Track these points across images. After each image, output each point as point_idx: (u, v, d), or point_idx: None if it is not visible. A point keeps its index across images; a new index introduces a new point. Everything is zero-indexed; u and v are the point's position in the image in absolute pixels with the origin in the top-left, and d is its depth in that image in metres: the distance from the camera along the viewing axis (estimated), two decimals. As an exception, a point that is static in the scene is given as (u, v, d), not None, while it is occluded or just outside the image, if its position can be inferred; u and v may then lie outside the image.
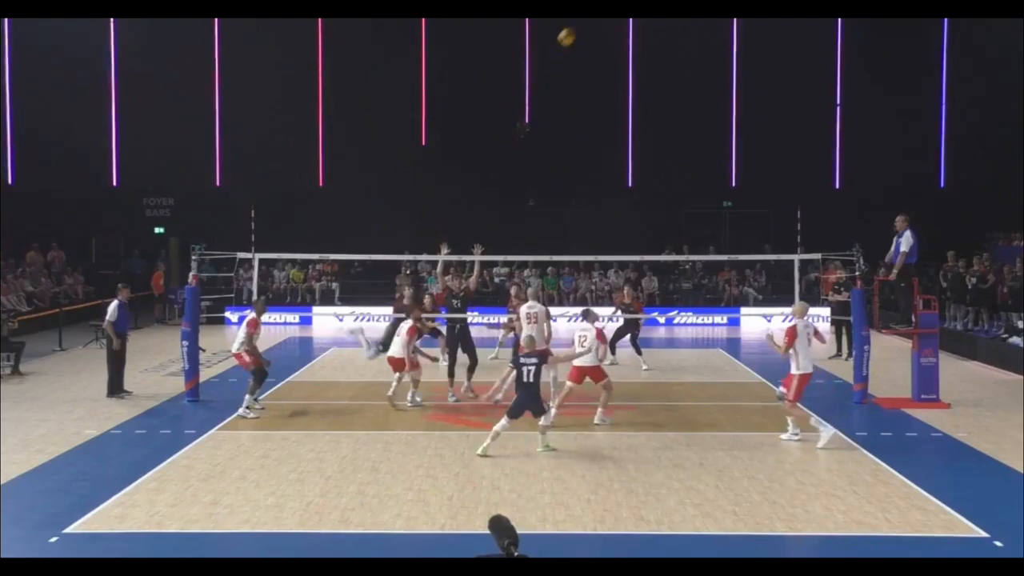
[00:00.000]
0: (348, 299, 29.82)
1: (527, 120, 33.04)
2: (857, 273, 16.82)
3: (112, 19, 32.02)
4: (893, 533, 9.39)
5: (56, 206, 31.43)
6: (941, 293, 23.12)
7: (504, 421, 12.25)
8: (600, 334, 14.38)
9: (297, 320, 29.19)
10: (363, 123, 32.31)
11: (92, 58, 32.22)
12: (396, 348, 15.41)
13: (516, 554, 5.40)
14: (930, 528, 9.54)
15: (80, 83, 31.88)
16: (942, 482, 11.16)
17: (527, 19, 32.59)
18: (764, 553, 8.89)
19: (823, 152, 33.25)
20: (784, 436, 13.10)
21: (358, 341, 16.76)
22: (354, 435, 13.36)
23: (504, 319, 19.68)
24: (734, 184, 33.51)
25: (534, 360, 12.43)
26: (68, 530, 9.37)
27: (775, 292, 29.22)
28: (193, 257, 16.52)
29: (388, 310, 26.04)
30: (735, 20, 32.74)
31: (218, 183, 33.37)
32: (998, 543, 9.07)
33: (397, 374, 15.38)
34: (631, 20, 32.77)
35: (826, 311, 23.17)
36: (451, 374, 16.10)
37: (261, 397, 15.27)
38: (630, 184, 33.52)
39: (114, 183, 33.32)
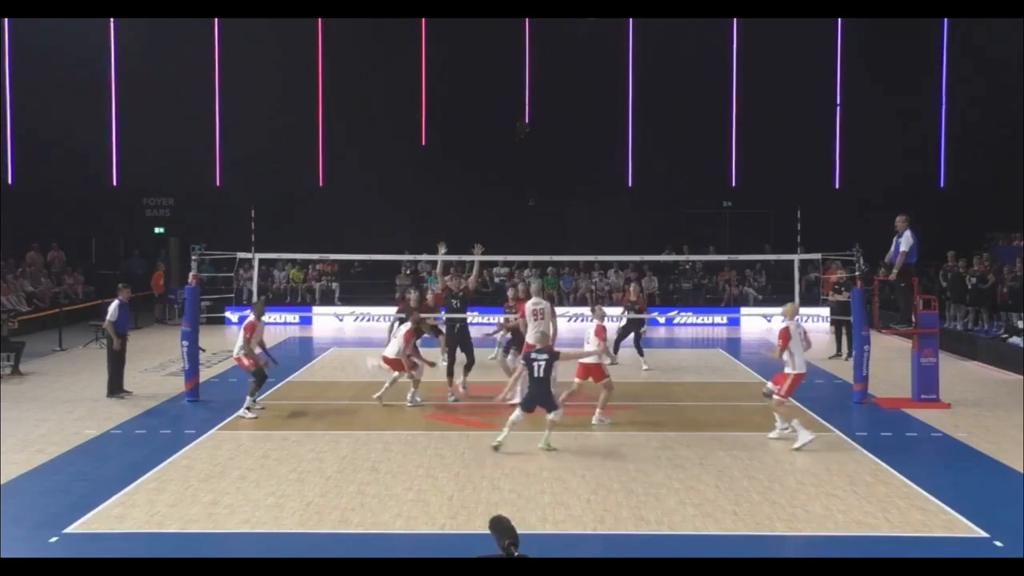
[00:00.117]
0: (348, 299, 29.84)
1: (527, 120, 33.05)
2: (857, 273, 16.82)
3: (112, 19, 32.02)
4: (893, 533, 9.39)
5: (56, 206, 31.43)
6: (941, 293, 23.11)
7: (518, 412, 12.45)
8: (600, 331, 14.43)
9: (297, 320, 29.20)
10: (363, 123, 32.31)
11: (92, 58, 32.22)
12: (392, 349, 15.43)
13: (516, 554, 5.40)
14: (930, 528, 9.54)
15: (80, 83, 31.88)
16: (942, 482, 11.16)
17: (527, 19, 32.60)
18: (764, 553, 8.90)
19: (823, 152, 33.24)
20: (772, 434, 13.06)
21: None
22: (354, 435, 13.36)
23: (501, 319, 19.66)
24: (734, 184, 33.51)
25: (545, 356, 12.54)
26: (68, 530, 9.37)
27: (775, 292, 29.20)
28: (193, 257, 16.52)
29: (388, 310, 26.20)
30: (735, 20, 32.74)
31: (218, 183, 33.37)
32: (998, 543, 9.07)
33: (393, 374, 15.41)
34: (631, 20, 32.78)
35: (825, 311, 23.15)
36: (450, 374, 16.10)
37: (261, 397, 15.26)
38: (630, 184, 33.52)
39: (114, 183, 33.33)
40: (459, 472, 11.41)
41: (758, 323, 27.45)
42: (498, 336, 19.04)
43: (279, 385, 17.34)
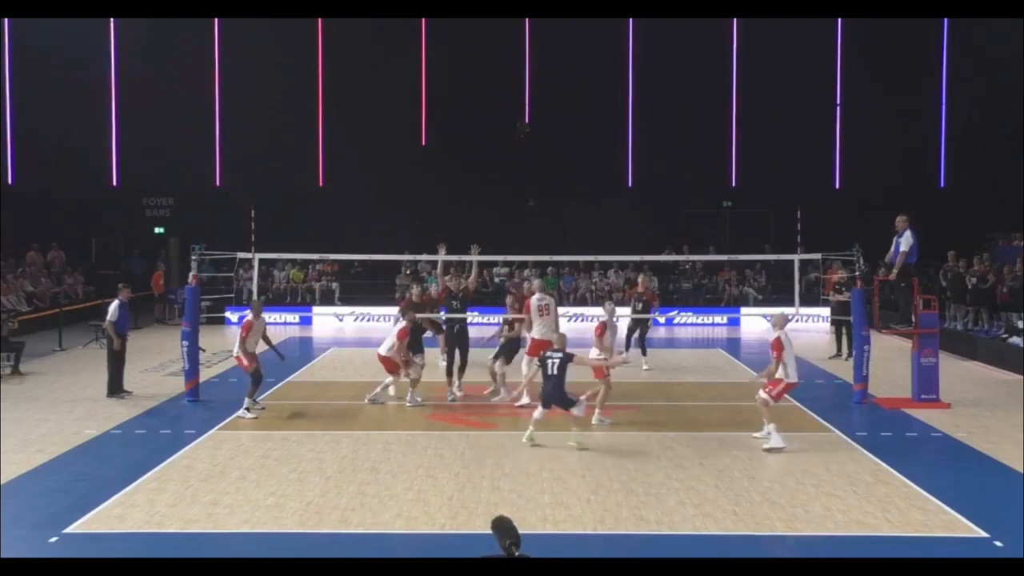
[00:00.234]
0: (348, 299, 29.84)
1: (527, 120, 33.05)
2: (857, 273, 16.82)
3: (112, 19, 32.02)
4: (893, 533, 9.39)
5: (56, 206, 31.43)
6: (941, 293, 23.11)
7: (540, 410, 12.73)
8: (597, 329, 14.53)
9: (297, 320, 29.20)
10: (363, 123, 32.31)
11: (92, 58, 32.23)
12: (385, 346, 15.45)
13: (517, 554, 5.40)
14: (930, 528, 9.54)
15: (80, 83, 31.90)
16: (942, 482, 11.16)
17: (527, 19, 32.60)
18: (764, 553, 8.90)
19: (823, 152, 33.24)
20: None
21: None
22: (354, 435, 13.36)
23: (499, 318, 19.65)
24: (734, 184, 33.51)
25: (559, 354, 12.72)
26: (68, 530, 9.37)
27: (775, 292, 29.23)
28: (193, 257, 16.53)
29: (388, 310, 26.22)
30: (735, 20, 32.74)
31: (218, 183, 33.37)
32: (998, 543, 9.07)
33: (389, 377, 15.42)
34: (631, 20, 32.78)
35: (826, 311, 23.12)
36: (450, 373, 16.10)
37: (261, 397, 15.27)
38: (630, 184, 33.52)
39: (114, 183, 33.33)
40: (459, 472, 11.41)
41: (758, 323, 27.43)
42: (501, 339, 19.01)
43: (279, 385, 17.35)
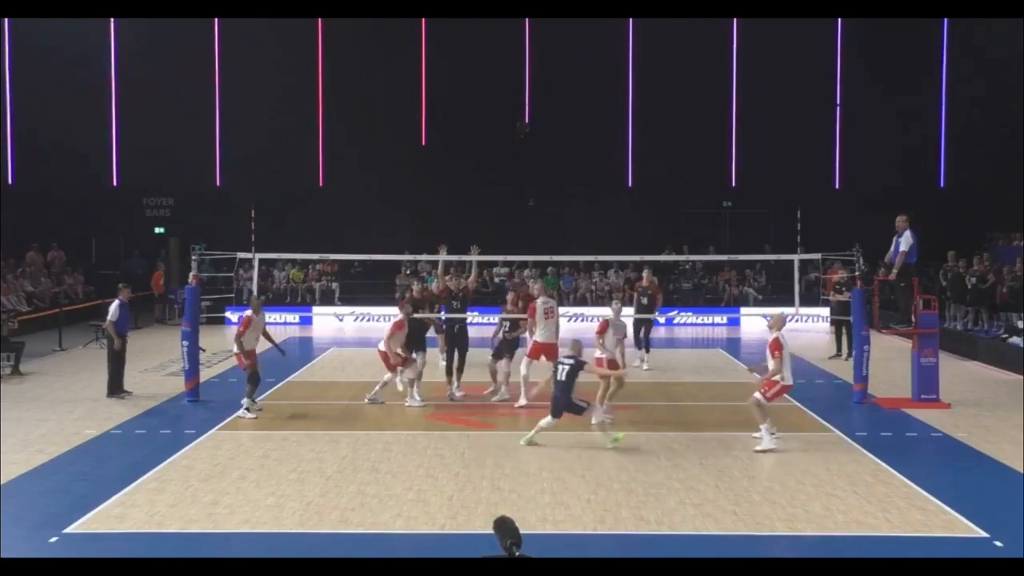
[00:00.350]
0: (348, 299, 29.84)
1: (527, 120, 33.05)
2: (857, 273, 16.81)
3: (112, 19, 32.01)
4: (893, 533, 9.40)
5: (56, 206, 31.43)
6: (941, 293, 23.11)
7: (548, 419, 12.60)
8: (601, 327, 14.66)
9: (297, 320, 29.20)
10: (363, 123, 32.30)
11: (92, 58, 32.22)
12: (383, 341, 15.45)
13: (518, 554, 5.40)
14: (930, 528, 9.54)
15: (80, 83, 31.89)
16: (942, 482, 11.17)
17: (527, 19, 32.59)
18: (764, 553, 8.90)
19: (823, 152, 33.23)
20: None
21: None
22: (354, 435, 13.36)
23: (497, 318, 19.64)
24: (734, 184, 33.50)
25: (571, 361, 12.65)
26: (68, 530, 9.37)
27: (775, 292, 29.22)
28: (193, 257, 16.53)
29: (387, 310, 26.18)
30: (735, 20, 32.73)
31: (218, 183, 33.36)
32: (998, 543, 9.07)
33: (386, 376, 15.42)
34: (631, 20, 32.77)
35: (825, 311, 23.09)
36: (449, 373, 16.10)
37: (260, 398, 15.27)
38: (630, 184, 33.51)
39: (114, 183, 33.32)
40: (459, 472, 11.41)
41: (758, 323, 27.37)
42: (499, 338, 18.99)
43: (279, 385, 17.36)
